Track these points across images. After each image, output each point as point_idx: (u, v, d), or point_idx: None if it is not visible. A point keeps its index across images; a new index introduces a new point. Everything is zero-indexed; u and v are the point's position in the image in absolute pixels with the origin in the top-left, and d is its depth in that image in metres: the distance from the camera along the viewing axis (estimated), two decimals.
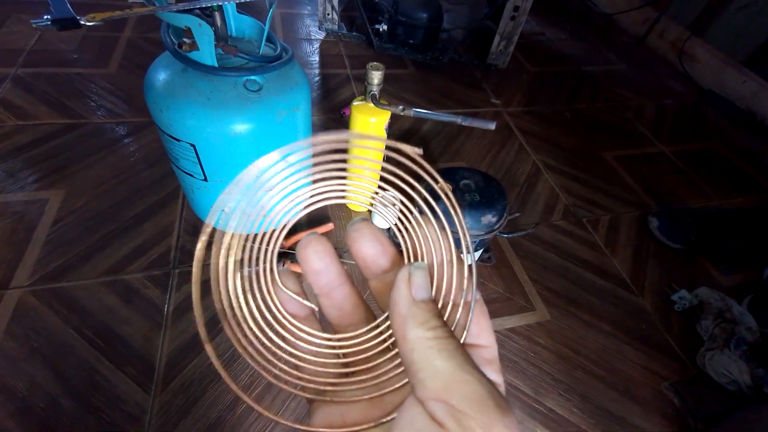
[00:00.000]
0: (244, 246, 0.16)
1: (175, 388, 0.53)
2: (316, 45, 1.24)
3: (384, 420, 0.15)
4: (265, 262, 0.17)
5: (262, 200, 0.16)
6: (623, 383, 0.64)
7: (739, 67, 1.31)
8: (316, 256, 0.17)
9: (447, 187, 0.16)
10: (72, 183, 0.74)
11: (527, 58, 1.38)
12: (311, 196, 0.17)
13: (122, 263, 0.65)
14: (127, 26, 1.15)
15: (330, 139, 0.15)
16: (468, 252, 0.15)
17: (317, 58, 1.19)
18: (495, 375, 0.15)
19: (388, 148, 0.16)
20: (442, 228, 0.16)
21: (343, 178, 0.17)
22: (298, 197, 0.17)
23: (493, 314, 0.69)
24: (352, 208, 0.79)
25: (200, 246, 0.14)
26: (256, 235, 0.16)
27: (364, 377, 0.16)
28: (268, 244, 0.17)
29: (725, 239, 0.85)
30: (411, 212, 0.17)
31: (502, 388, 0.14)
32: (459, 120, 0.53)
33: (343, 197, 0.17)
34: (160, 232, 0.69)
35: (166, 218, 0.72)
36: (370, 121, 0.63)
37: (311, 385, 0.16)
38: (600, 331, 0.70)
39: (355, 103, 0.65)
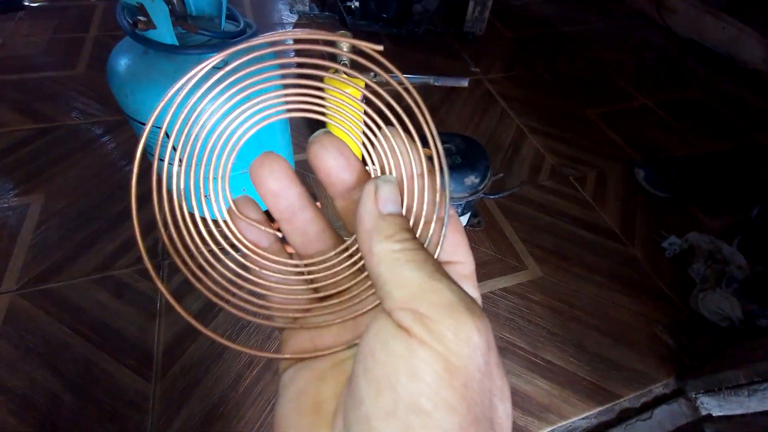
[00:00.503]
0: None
1: (175, 374, 0.54)
2: (289, 28, 1.22)
3: (356, 341, 0.14)
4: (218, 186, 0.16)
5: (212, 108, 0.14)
6: (617, 330, 0.65)
7: (717, 14, 1.30)
8: (273, 177, 0.15)
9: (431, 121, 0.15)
10: (52, 186, 0.73)
11: (504, 23, 1.36)
12: (283, 104, 0.15)
13: (110, 260, 0.64)
14: (92, 26, 1.12)
15: (293, 35, 0.14)
16: (441, 167, 0.14)
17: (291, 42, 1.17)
18: (472, 290, 0.14)
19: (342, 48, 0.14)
20: (412, 140, 0.15)
21: (321, 89, 0.15)
22: (262, 104, 0.15)
23: (486, 276, 0.69)
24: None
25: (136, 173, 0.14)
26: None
27: (334, 301, 0.16)
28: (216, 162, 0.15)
29: (711, 184, 0.86)
30: (377, 124, 0.15)
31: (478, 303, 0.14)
32: (431, 80, 0.52)
33: (322, 113, 0.16)
34: (145, 226, 0.69)
35: (150, 212, 0.71)
36: (344, 93, 0.62)
37: (279, 314, 0.16)
38: (592, 283, 0.70)
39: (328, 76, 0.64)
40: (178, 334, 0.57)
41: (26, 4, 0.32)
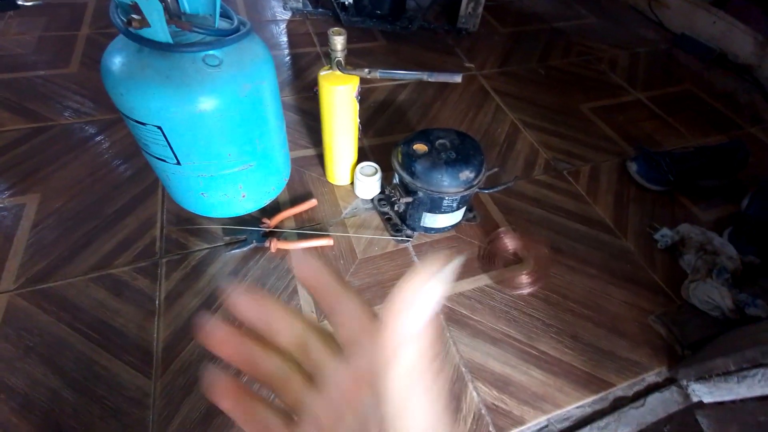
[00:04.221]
0: None
1: (175, 370, 0.54)
2: (283, 26, 1.21)
3: None
4: None
5: None
6: (610, 320, 0.66)
7: (708, 8, 1.31)
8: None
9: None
10: (47, 186, 0.73)
11: (497, 19, 1.37)
12: None
13: (108, 258, 0.64)
14: (83, 23, 1.11)
15: None
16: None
17: (285, 39, 1.17)
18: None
19: None
20: None
21: None
22: None
23: (482, 270, 0.70)
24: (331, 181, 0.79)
25: None
26: None
27: None
28: None
29: (702, 176, 0.87)
30: None
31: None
32: (425, 76, 0.53)
33: None
34: (142, 225, 0.69)
35: (147, 210, 0.71)
36: (338, 90, 0.63)
37: None
38: (586, 275, 0.72)
39: (322, 72, 0.64)
40: (177, 332, 0.57)
41: (20, 3, 0.31)
